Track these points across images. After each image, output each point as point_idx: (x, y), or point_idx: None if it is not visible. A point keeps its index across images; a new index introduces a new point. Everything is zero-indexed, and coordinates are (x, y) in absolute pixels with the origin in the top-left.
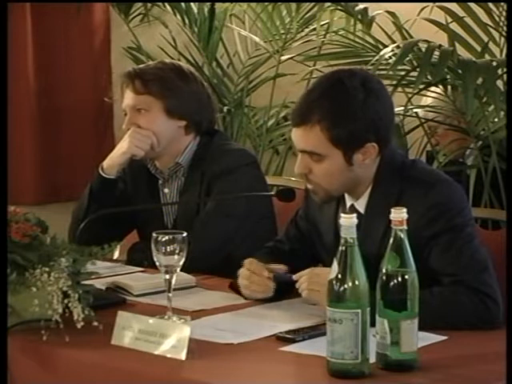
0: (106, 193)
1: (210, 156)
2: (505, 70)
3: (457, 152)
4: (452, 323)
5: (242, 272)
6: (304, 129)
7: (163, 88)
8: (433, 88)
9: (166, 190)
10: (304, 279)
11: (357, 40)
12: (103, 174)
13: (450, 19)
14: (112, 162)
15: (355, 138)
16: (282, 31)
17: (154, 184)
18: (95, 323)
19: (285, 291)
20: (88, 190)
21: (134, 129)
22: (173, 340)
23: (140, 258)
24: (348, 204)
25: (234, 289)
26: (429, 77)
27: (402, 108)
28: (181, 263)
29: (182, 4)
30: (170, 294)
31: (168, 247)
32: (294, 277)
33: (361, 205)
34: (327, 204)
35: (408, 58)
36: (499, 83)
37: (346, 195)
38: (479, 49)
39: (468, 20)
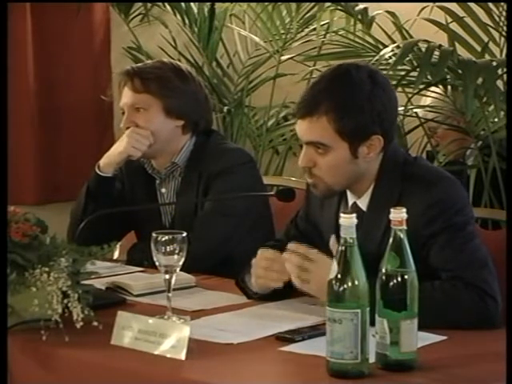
0: (103, 191)
1: (207, 156)
2: (505, 70)
3: (457, 152)
4: (451, 320)
5: (259, 261)
6: (310, 120)
7: (162, 87)
8: (433, 88)
9: (164, 190)
10: (295, 260)
11: (357, 40)
12: (100, 173)
13: (450, 19)
14: (109, 161)
15: (362, 130)
16: (282, 31)
17: (152, 184)
18: (95, 323)
19: (286, 295)
20: (85, 189)
21: (133, 129)
22: (172, 340)
23: (140, 258)
24: (350, 202)
25: (240, 286)
26: (429, 77)
27: (402, 108)
28: (181, 263)
29: (182, 4)
30: (170, 294)
31: (168, 247)
32: (289, 245)
33: (363, 202)
34: (328, 202)
35: (408, 58)
36: (499, 83)
37: (349, 193)
38: (479, 49)
39: (468, 20)
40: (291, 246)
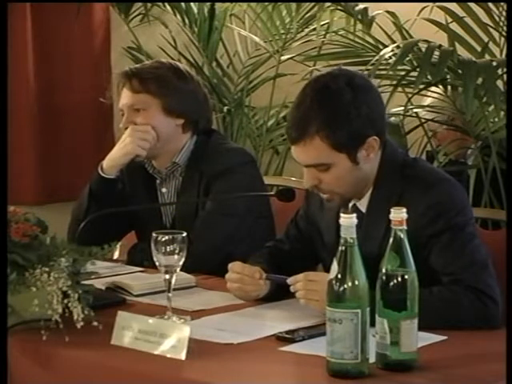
0: (107, 193)
1: (208, 155)
2: (505, 70)
3: (457, 152)
4: (451, 322)
5: (230, 276)
6: (304, 143)
7: (161, 86)
8: (433, 88)
9: (164, 190)
10: (300, 286)
11: (357, 40)
12: (103, 175)
13: (450, 19)
14: (113, 163)
15: (356, 137)
16: (282, 31)
17: (152, 184)
18: (95, 323)
19: (281, 293)
20: (87, 191)
21: (133, 127)
22: (173, 340)
23: (140, 258)
24: (350, 204)
25: None
26: (429, 77)
27: (402, 108)
28: (181, 263)
29: (182, 4)
30: (170, 294)
31: (168, 247)
32: (289, 280)
33: (363, 204)
34: (328, 204)
35: (408, 58)
36: (499, 83)
37: None
38: (479, 49)
39: (468, 20)
40: (290, 280)
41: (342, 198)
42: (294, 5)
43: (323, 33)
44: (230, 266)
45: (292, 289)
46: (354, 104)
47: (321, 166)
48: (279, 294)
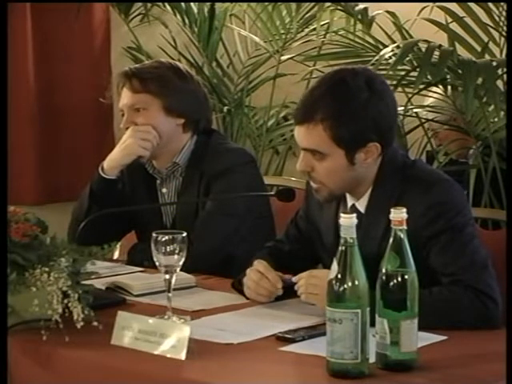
0: (107, 193)
1: (208, 155)
2: (505, 69)
3: (458, 152)
4: (451, 323)
5: (251, 272)
6: (307, 127)
7: (161, 86)
8: (434, 88)
9: (164, 190)
10: (302, 282)
11: (357, 40)
12: (104, 175)
13: (450, 19)
14: (115, 164)
15: (357, 138)
16: (282, 31)
17: (152, 184)
18: (95, 323)
19: (286, 294)
20: (88, 191)
21: (134, 127)
22: (173, 340)
23: (140, 258)
24: (349, 204)
25: (236, 288)
26: (429, 77)
27: (402, 108)
28: (181, 263)
29: (182, 4)
30: (170, 294)
31: (168, 247)
32: (294, 279)
33: (362, 205)
34: (328, 204)
35: (408, 58)
36: (499, 83)
37: (348, 195)
38: (479, 49)
39: (468, 20)
40: (295, 278)
41: (331, 192)
42: (294, 5)
43: (323, 33)
44: (256, 262)
45: (296, 287)
46: (365, 105)
47: (317, 154)
48: (283, 295)
